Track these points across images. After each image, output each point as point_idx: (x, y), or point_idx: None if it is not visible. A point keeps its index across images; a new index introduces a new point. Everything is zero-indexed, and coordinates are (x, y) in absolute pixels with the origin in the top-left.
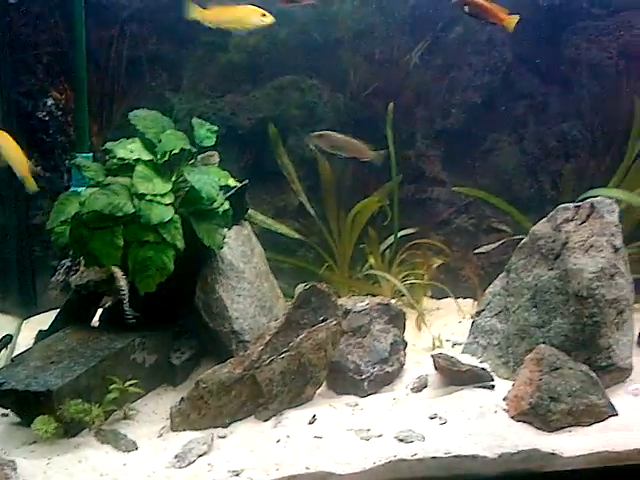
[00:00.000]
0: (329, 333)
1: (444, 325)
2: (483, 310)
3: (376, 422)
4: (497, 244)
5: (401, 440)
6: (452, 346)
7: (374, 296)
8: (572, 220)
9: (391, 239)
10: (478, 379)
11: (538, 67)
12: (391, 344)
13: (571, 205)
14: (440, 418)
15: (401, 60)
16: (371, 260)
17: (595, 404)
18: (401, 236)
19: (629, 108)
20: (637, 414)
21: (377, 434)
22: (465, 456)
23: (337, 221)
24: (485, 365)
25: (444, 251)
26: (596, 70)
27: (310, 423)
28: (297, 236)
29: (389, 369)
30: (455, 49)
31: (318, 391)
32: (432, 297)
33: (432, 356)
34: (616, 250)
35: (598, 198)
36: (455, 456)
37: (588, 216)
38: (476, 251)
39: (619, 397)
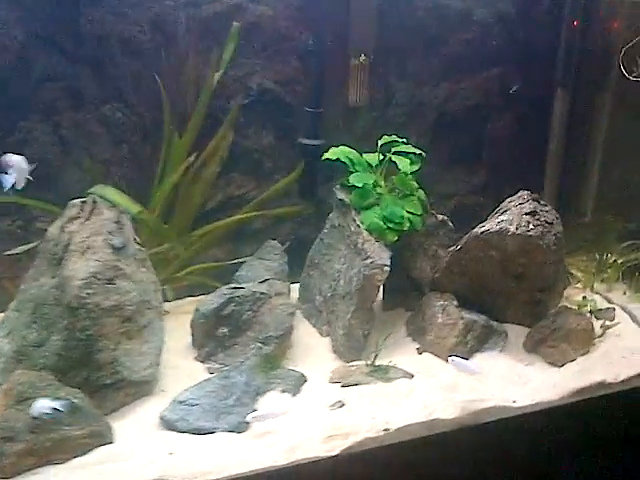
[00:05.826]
0: None
1: None
2: None
3: None
4: (32, 245)
5: None
6: None
7: None
8: (78, 218)
9: None
10: None
11: (62, 46)
12: None
13: (79, 200)
14: None
15: None
16: None
17: (69, 437)
18: None
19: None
20: (142, 434)
21: None
22: None
23: None
24: None
25: None
26: (129, 46)
27: None
28: None
29: None
30: None
31: None
32: None
33: None
34: (117, 250)
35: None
36: None
37: (91, 213)
38: (7, 253)
39: (135, 415)
